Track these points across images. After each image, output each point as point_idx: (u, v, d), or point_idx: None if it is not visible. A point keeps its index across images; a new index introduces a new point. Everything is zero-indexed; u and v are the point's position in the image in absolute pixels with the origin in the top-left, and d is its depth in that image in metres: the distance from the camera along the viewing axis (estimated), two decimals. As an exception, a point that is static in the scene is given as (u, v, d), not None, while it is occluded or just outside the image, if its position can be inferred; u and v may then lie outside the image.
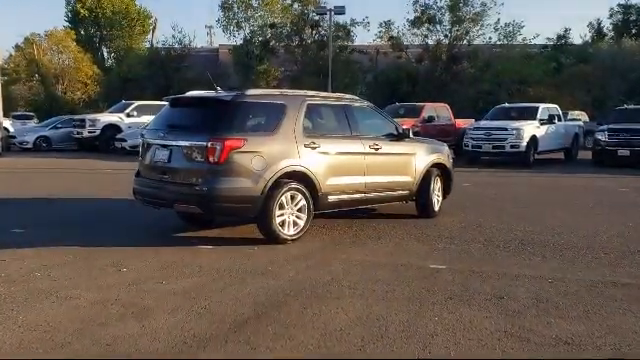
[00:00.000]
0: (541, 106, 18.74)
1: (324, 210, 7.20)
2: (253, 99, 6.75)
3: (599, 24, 50.14)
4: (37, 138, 24.57)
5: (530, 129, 17.39)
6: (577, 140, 20.21)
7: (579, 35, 54.41)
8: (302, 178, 6.78)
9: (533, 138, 17.36)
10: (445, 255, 6.23)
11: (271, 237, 6.60)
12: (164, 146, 6.72)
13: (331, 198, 7.09)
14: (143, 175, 7.20)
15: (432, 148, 8.63)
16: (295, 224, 6.75)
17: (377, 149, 7.63)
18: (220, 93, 7.01)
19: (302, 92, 7.49)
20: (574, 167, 17.76)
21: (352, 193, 7.36)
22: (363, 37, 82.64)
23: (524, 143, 17.10)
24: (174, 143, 6.59)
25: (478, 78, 36.44)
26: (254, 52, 39.68)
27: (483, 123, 18.50)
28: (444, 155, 8.76)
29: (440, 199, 8.67)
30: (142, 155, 7.21)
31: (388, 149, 7.81)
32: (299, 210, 6.77)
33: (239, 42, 41.12)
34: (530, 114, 18.25)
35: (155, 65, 40.44)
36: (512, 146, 17.16)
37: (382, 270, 5.57)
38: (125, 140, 21.33)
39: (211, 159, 6.21)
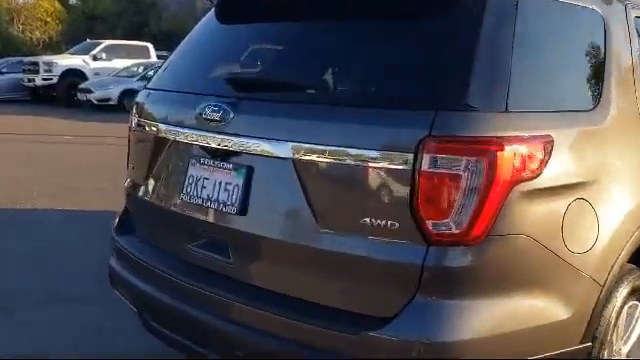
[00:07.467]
0: None
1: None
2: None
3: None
4: (-24, 87, 19.34)
5: None
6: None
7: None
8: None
9: None
10: None
11: None
12: (225, 155, 1.89)
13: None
14: (147, 236, 2.33)
15: None
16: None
17: None
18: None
19: None
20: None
21: None
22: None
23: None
24: (268, 147, 1.76)
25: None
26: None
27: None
28: None
29: None
30: (138, 172, 2.32)
31: None
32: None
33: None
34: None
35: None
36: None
37: None
38: (91, 91, 17.13)
39: (445, 224, 1.50)
